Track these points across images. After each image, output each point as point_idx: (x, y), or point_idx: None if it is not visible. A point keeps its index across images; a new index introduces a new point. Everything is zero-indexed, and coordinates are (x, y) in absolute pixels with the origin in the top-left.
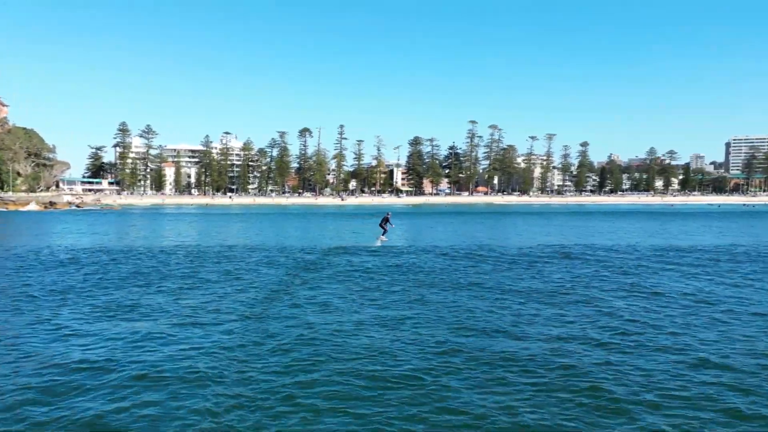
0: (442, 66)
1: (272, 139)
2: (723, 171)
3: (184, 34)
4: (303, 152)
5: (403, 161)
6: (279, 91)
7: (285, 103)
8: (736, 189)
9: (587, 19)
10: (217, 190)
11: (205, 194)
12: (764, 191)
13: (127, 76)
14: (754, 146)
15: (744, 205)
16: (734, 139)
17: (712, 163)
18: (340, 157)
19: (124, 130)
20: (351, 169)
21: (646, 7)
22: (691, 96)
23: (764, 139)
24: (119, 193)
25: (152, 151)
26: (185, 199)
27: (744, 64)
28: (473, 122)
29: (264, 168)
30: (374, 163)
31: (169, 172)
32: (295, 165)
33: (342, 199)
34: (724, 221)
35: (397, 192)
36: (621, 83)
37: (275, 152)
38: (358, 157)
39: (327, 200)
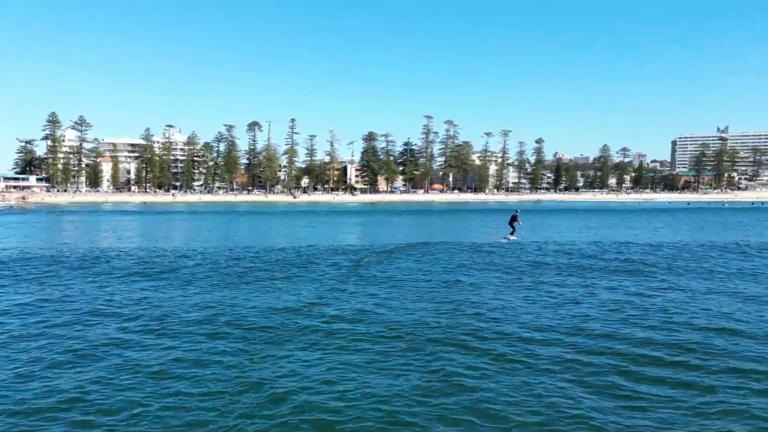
0: (397, 61)
1: (219, 133)
2: (670, 169)
3: (119, 21)
4: (252, 147)
5: (357, 157)
6: (227, 83)
7: (233, 96)
8: (686, 186)
9: (537, 17)
10: (159, 187)
11: (146, 191)
12: (714, 188)
13: (61, 66)
14: (704, 144)
15: (724, 203)
16: (680, 138)
17: (654, 162)
18: (291, 152)
19: (53, 122)
20: (303, 166)
21: (593, 8)
22: (633, 97)
23: (709, 137)
24: (49, 191)
25: (86, 145)
26: (123, 197)
27: (684, 65)
28: (428, 117)
29: (210, 164)
30: (327, 159)
31: (106, 168)
32: (245, 161)
33: (294, 197)
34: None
35: (351, 190)
36: (568, 83)
37: (222, 147)
38: (311, 153)
39: (278, 198)
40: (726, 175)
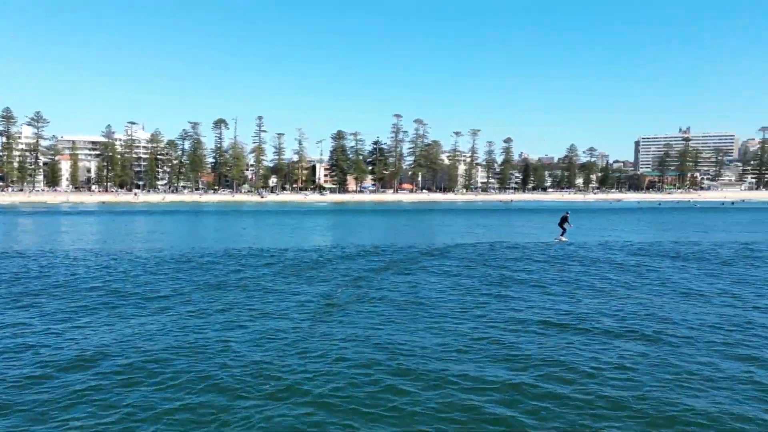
0: (363, 58)
1: (183, 130)
2: (633, 169)
3: (81, 18)
4: (218, 145)
5: (326, 156)
6: (191, 81)
7: (199, 93)
8: (651, 186)
9: (500, 17)
10: (121, 186)
11: (107, 191)
12: (678, 188)
13: (16, 60)
14: (667, 144)
15: (695, 203)
16: (643, 138)
17: (617, 162)
18: (259, 150)
19: (8, 117)
20: (271, 165)
21: (555, 9)
22: (595, 97)
23: (672, 137)
24: (3, 190)
25: (43, 142)
26: (82, 197)
27: (644, 66)
28: (398, 116)
29: (175, 162)
30: (296, 158)
31: (65, 166)
32: (211, 159)
33: (262, 197)
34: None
35: (320, 189)
36: (532, 84)
37: (187, 145)
38: (279, 151)
39: (245, 197)
40: (689, 175)
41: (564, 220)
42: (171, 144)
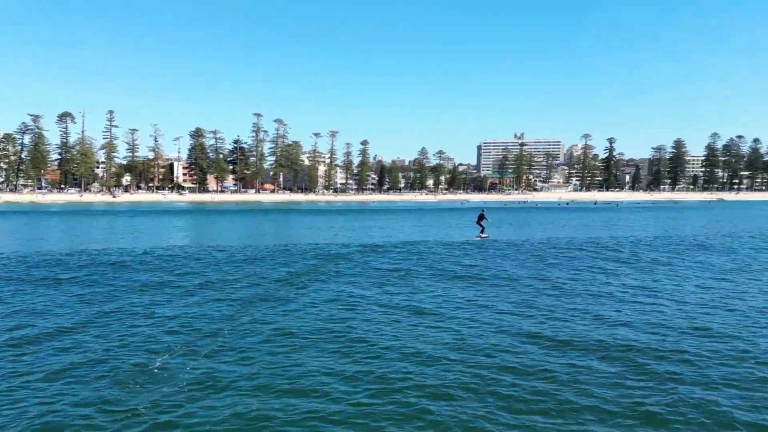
0: (222, 56)
1: (23, 123)
2: (477, 171)
3: None
4: (64, 141)
5: (184, 154)
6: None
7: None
8: (492, 187)
9: (359, 19)
10: None
11: None
12: (516, 189)
13: None
14: (506, 148)
15: (564, 203)
16: (484, 143)
17: (461, 164)
18: (110, 147)
19: None
20: (125, 162)
21: (412, 15)
22: (441, 103)
23: (509, 142)
24: None
25: None
26: None
27: (481, 73)
28: (258, 115)
29: (13, 158)
30: (151, 155)
31: None
32: (56, 155)
33: (114, 196)
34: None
35: (179, 188)
36: (386, 88)
37: (28, 139)
38: (132, 148)
39: (95, 197)
40: (524, 177)
41: (481, 218)
42: (8, 138)
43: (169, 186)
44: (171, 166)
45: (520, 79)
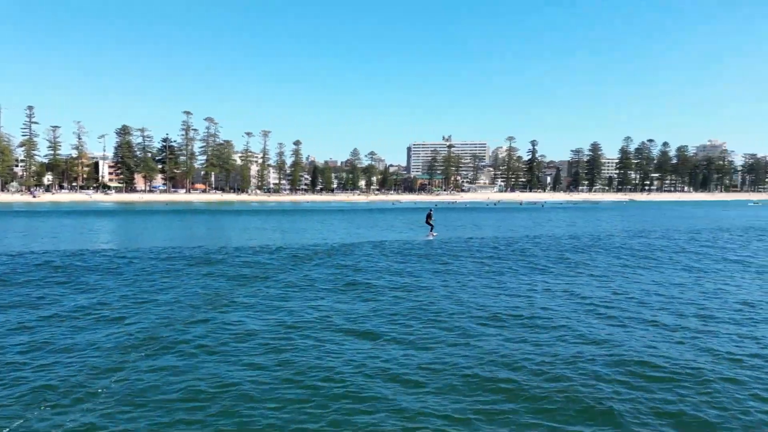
0: (151, 52)
1: None
2: (407, 173)
3: None
4: None
5: (110, 153)
6: None
7: None
8: (422, 188)
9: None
10: None
11: None
12: (444, 190)
13: None
14: (435, 150)
15: (492, 203)
16: (414, 145)
17: (392, 165)
18: (29, 144)
19: None
20: (46, 161)
21: (340, 14)
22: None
23: (438, 144)
24: None
25: None
26: None
27: (414, 76)
28: (188, 113)
29: None
30: (75, 153)
31: None
32: None
33: (34, 196)
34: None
35: (105, 188)
36: (317, 88)
37: None
38: (54, 146)
39: (12, 197)
40: (452, 178)
41: (429, 217)
42: None
43: (95, 185)
44: (96, 164)
45: (447, 82)
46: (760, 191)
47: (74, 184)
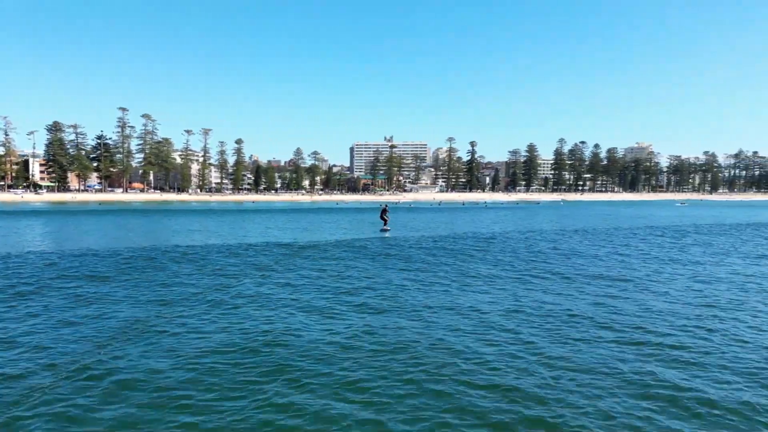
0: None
1: None
2: (350, 173)
3: None
4: None
5: (41, 150)
6: None
7: None
8: (366, 188)
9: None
10: None
11: None
12: (387, 190)
13: None
14: (377, 150)
15: (437, 203)
16: (357, 145)
17: (335, 165)
18: None
19: None
20: None
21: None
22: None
23: (380, 144)
24: None
25: None
26: None
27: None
28: (123, 109)
29: None
30: (2, 151)
31: None
32: None
33: None
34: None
35: (35, 187)
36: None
37: None
38: None
39: None
40: (395, 178)
41: (384, 212)
42: None
43: (24, 184)
44: (26, 162)
45: (389, 82)
46: (685, 191)
47: (2, 182)
